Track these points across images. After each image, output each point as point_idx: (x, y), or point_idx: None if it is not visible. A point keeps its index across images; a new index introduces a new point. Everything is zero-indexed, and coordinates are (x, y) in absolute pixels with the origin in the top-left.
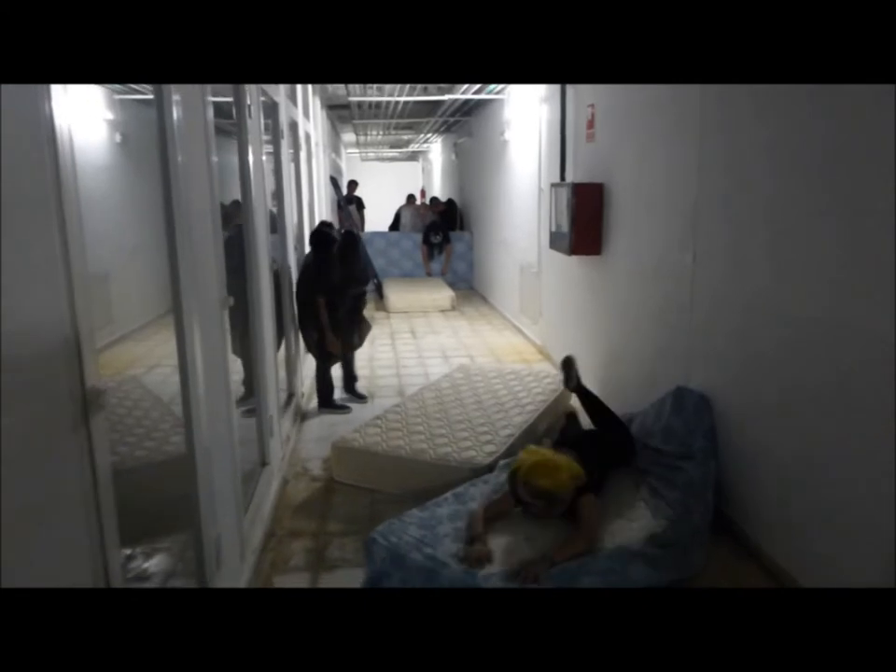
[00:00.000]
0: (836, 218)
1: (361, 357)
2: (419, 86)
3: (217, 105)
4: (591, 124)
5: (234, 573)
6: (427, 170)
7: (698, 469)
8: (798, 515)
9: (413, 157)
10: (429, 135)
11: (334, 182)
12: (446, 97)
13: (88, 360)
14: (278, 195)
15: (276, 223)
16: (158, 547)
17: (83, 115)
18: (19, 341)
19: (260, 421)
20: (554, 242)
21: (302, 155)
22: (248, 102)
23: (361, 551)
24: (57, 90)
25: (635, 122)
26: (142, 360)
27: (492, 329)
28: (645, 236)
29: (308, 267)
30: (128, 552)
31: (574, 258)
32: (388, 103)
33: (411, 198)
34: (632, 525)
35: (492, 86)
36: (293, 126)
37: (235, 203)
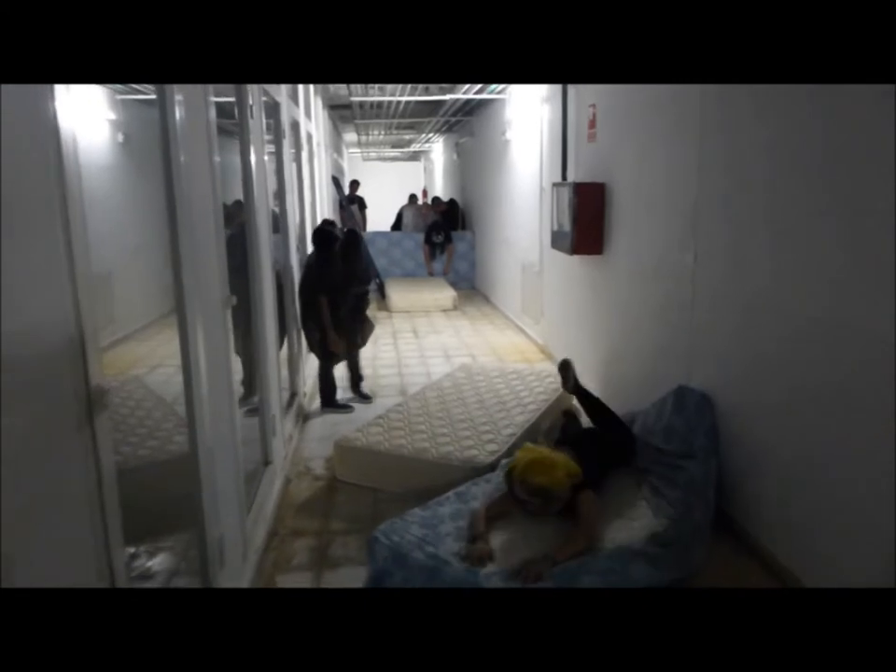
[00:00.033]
0: (836, 218)
1: (364, 356)
2: (421, 86)
3: (219, 105)
4: (592, 124)
5: (237, 572)
6: (428, 170)
7: (700, 468)
8: (799, 514)
9: (414, 157)
10: (431, 135)
11: (336, 182)
12: (448, 97)
13: (92, 359)
14: (280, 195)
15: (278, 223)
16: (161, 546)
17: (85, 115)
18: (23, 340)
19: (263, 420)
20: (556, 241)
21: (304, 155)
22: (250, 102)
23: (364, 549)
24: (60, 90)
25: (636, 122)
26: (144, 360)
27: (494, 328)
28: (646, 236)
29: (311, 267)
30: (132, 550)
31: (576, 257)
32: (390, 102)
33: (413, 198)
34: (633, 524)
35: (493, 86)
36: (295, 126)
37: (237, 202)
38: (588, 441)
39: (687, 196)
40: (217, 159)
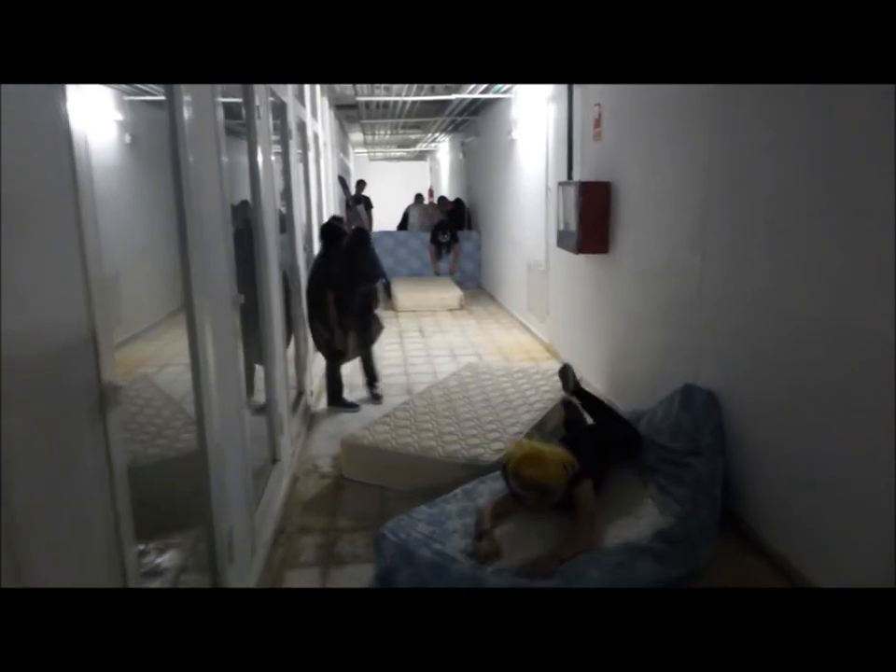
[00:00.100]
0: (836, 218)
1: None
2: (426, 86)
3: (226, 105)
4: (598, 123)
5: (246, 568)
6: (434, 169)
7: (706, 466)
8: (802, 513)
9: (420, 156)
10: (437, 135)
11: (342, 182)
12: (453, 97)
13: (104, 356)
14: (287, 195)
15: (285, 223)
16: (171, 542)
17: (94, 116)
18: (36, 337)
19: (271, 418)
20: (562, 240)
21: (311, 155)
22: (257, 102)
23: (371, 546)
24: (72, 92)
25: (641, 121)
26: (152, 359)
27: (500, 327)
28: (652, 235)
29: (318, 266)
30: (141, 547)
31: (582, 256)
32: (396, 102)
33: (419, 197)
34: (639, 521)
35: (499, 85)
36: (301, 126)
37: (243, 202)
38: (588, 434)
39: (695, 195)
40: (224, 159)
